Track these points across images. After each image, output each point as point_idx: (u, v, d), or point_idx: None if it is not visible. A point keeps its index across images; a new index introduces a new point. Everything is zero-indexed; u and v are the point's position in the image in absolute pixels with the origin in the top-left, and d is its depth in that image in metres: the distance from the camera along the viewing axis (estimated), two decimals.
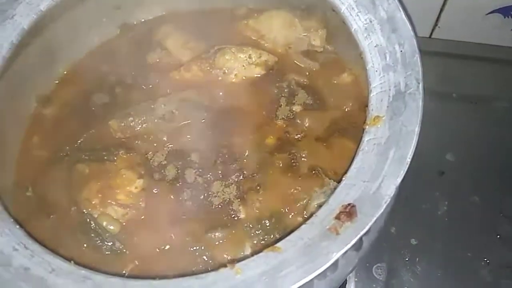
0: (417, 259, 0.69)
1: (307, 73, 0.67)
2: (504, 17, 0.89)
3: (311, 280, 0.39)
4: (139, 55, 0.70)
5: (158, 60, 0.70)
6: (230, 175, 0.60)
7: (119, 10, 0.71)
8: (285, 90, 0.66)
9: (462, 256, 0.70)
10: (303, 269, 0.36)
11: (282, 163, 0.60)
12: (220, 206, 0.58)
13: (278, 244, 0.39)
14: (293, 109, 0.64)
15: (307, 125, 0.64)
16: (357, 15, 0.50)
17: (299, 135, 0.63)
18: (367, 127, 0.44)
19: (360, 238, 0.43)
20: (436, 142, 0.77)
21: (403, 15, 0.48)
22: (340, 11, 0.53)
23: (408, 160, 0.40)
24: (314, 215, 0.40)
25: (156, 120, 0.62)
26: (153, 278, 0.40)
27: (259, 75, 0.68)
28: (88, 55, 0.72)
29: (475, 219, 0.72)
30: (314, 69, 0.68)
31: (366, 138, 0.43)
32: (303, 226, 0.40)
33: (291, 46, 0.70)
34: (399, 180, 0.39)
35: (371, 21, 0.49)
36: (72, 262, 0.41)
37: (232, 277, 0.37)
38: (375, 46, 0.48)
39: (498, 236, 0.71)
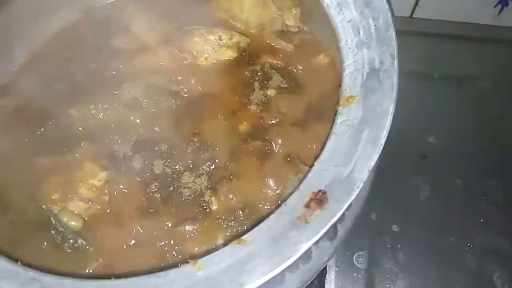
0: (399, 246, 0.67)
1: (281, 55, 0.64)
2: None
3: (282, 273, 0.36)
4: (102, 40, 0.66)
5: (123, 44, 0.65)
6: (201, 164, 0.57)
7: None
8: (259, 73, 0.63)
9: (445, 242, 0.68)
10: (270, 262, 0.33)
11: (256, 150, 0.57)
12: (190, 198, 0.55)
13: (244, 236, 0.36)
14: (267, 93, 0.61)
15: (282, 110, 0.60)
16: None
17: (273, 121, 0.59)
18: (340, 108, 0.41)
19: (334, 226, 0.40)
20: (417, 124, 0.75)
21: None
22: None
23: (382, 141, 0.37)
24: (283, 203, 0.37)
25: (120, 108, 0.58)
26: (109, 277, 0.36)
27: (231, 58, 0.64)
28: (49, 40, 0.68)
29: (458, 203, 0.70)
30: (289, 51, 0.64)
31: (339, 119, 0.40)
32: (272, 215, 0.37)
33: (265, 26, 0.66)
34: (372, 163, 0.36)
35: None
36: (19, 262, 0.37)
37: (194, 274, 0.34)
38: (348, 22, 0.45)
39: (482, 220, 0.69)
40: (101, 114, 0.58)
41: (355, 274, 0.65)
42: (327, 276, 0.65)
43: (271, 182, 0.53)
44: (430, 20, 0.91)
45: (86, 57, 0.64)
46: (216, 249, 0.35)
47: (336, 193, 0.35)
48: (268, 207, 0.53)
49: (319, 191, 0.36)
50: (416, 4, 0.90)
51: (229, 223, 0.53)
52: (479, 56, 0.83)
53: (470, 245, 0.67)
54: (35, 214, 0.53)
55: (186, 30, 0.64)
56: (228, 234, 0.52)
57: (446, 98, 0.79)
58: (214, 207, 0.54)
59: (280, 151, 0.57)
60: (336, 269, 0.65)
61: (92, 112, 0.57)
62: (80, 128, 0.58)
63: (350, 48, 0.43)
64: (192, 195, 0.55)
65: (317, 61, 0.63)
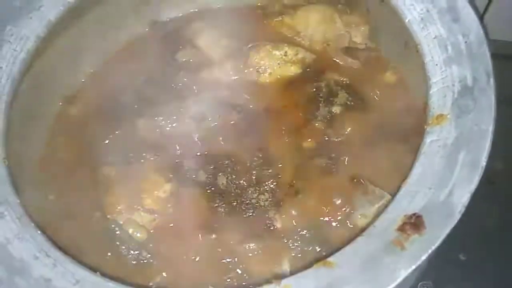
0: (466, 276, 0.63)
1: (347, 72, 0.63)
2: None
3: None
4: (169, 54, 0.67)
5: (189, 59, 0.66)
6: (265, 181, 0.56)
7: (148, 6, 0.68)
8: (323, 90, 0.61)
9: None
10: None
11: (321, 168, 0.56)
12: (254, 215, 0.54)
13: (330, 258, 0.34)
14: (333, 110, 0.60)
15: (348, 127, 0.59)
16: (412, 5, 0.46)
17: (339, 138, 0.58)
18: (428, 127, 0.39)
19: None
20: None
21: (467, 3, 0.43)
22: (390, 1, 0.48)
23: (483, 163, 0.35)
24: (372, 225, 0.35)
25: (186, 121, 0.58)
26: None
27: (295, 74, 0.63)
28: (116, 53, 0.69)
29: None
30: (355, 67, 0.63)
31: (428, 139, 0.38)
32: (359, 238, 0.35)
33: (330, 43, 0.65)
34: (473, 186, 0.34)
35: (428, 11, 0.44)
36: (98, 273, 0.36)
37: None
38: (434, 38, 0.43)
39: None
40: (168, 126, 0.58)
41: None
42: None
43: (337, 201, 0.52)
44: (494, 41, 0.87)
45: (152, 70, 0.65)
46: (300, 269, 0.34)
47: (433, 218, 0.33)
48: (336, 228, 0.51)
49: (414, 214, 0.34)
50: None
51: (295, 243, 0.51)
52: None
53: None
54: (100, 224, 0.53)
55: (251, 45, 0.64)
56: (293, 254, 0.51)
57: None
58: (278, 225, 0.53)
59: (346, 169, 0.55)
60: None
61: (160, 124, 0.57)
62: (146, 139, 0.58)
63: (437, 64, 0.41)
64: (256, 212, 0.54)
65: (385, 79, 0.62)
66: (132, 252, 0.51)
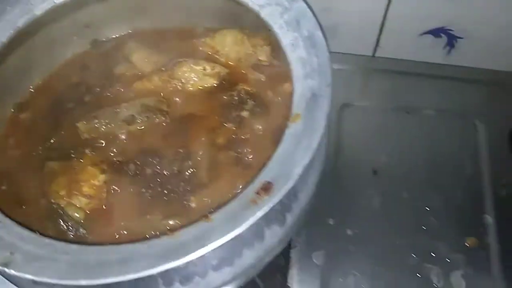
0: (352, 247, 0.78)
1: (255, 84, 0.77)
2: (435, 37, 1.01)
3: (240, 249, 0.48)
4: (107, 68, 0.79)
5: (124, 72, 0.78)
6: (184, 171, 0.68)
7: (89, 28, 0.80)
8: (235, 98, 0.75)
9: (392, 245, 0.79)
10: (226, 231, 0.45)
11: (230, 160, 0.69)
12: (175, 198, 0.66)
13: (210, 215, 0.48)
14: (242, 115, 0.73)
15: (253, 127, 0.73)
16: (286, 33, 0.61)
17: (245, 136, 0.72)
18: (289, 123, 0.54)
19: (283, 214, 0.53)
20: (372, 145, 0.88)
21: (321, 34, 0.59)
22: (273, 30, 0.63)
23: (314, 146, 0.50)
24: (242, 193, 0.49)
25: (119, 123, 0.71)
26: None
27: (213, 85, 0.77)
28: (61, 66, 0.80)
29: (404, 213, 0.82)
30: (262, 80, 0.78)
31: (287, 131, 0.53)
32: (232, 201, 0.49)
33: (242, 60, 0.79)
34: (305, 161, 0.48)
35: (296, 38, 0.60)
36: (37, 232, 0.48)
37: (170, 241, 0.46)
38: (299, 58, 0.58)
39: (424, 228, 0.81)
40: (103, 127, 0.70)
41: (313, 270, 0.76)
42: (289, 272, 0.76)
43: (238, 184, 0.65)
44: (389, 59, 1.05)
45: (92, 81, 0.77)
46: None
47: (279, 184, 0.47)
48: None
49: (267, 182, 0.48)
50: (376, 45, 1.05)
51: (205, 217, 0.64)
52: (428, 90, 0.97)
53: (413, 247, 0.79)
54: (45, 208, 0.64)
55: (176, 61, 0.77)
56: None
57: (398, 125, 0.92)
58: (193, 205, 0.66)
59: (250, 159, 0.69)
60: (297, 265, 0.76)
61: (96, 125, 0.70)
62: (85, 139, 0.70)
63: (299, 78, 0.56)
64: (176, 196, 0.66)
65: (283, 89, 0.76)
66: (71, 229, 0.63)
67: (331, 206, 0.81)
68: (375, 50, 1.05)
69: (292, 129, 0.53)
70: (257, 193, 0.47)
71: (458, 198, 0.85)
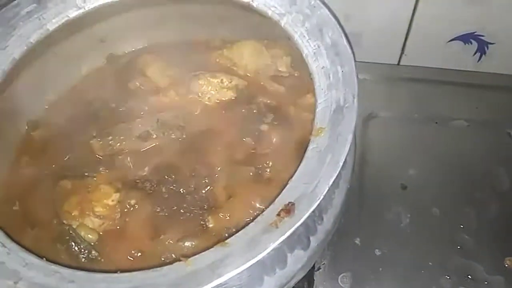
0: (381, 269, 0.73)
1: (274, 96, 0.74)
2: (465, 44, 0.96)
3: (260, 275, 0.44)
4: (122, 82, 0.77)
5: (139, 86, 0.76)
6: (202, 188, 0.65)
7: (104, 43, 0.79)
8: (254, 111, 0.72)
9: (424, 266, 0.73)
10: (244, 258, 0.41)
11: (249, 176, 0.66)
12: (191, 217, 0.63)
13: (227, 240, 0.44)
14: (261, 128, 0.70)
15: (273, 141, 0.69)
16: (308, 42, 0.57)
17: (265, 151, 0.68)
18: (312, 137, 0.50)
19: (307, 237, 0.48)
20: (399, 158, 0.83)
21: (345, 41, 0.55)
22: (293, 39, 0.60)
23: (341, 163, 0.45)
24: (260, 214, 0.45)
25: (133, 139, 0.68)
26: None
27: (231, 98, 0.74)
28: (76, 83, 0.79)
29: (436, 230, 0.76)
30: (281, 92, 0.74)
31: (310, 146, 0.49)
32: (250, 224, 0.45)
33: (260, 71, 0.76)
34: (331, 180, 0.44)
35: (319, 47, 0.56)
36: (44, 259, 0.45)
37: (183, 268, 0.42)
38: (322, 68, 0.54)
39: (459, 247, 0.75)
40: (118, 144, 0.68)
41: None
42: None
43: (257, 202, 0.61)
44: (415, 67, 1.00)
45: (107, 97, 0.75)
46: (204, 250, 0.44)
47: (302, 205, 0.43)
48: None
49: (289, 203, 0.44)
50: (402, 53, 1.00)
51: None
52: (456, 99, 0.92)
53: (447, 269, 0.73)
54: (57, 229, 0.62)
55: (193, 74, 0.75)
56: None
57: (426, 136, 0.87)
58: (211, 225, 0.62)
59: (270, 176, 0.65)
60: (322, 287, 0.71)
61: (110, 143, 0.67)
62: (99, 157, 0.68)
63: (322, 89, 0.52)
64: (193, 215, 0.63)
65: (305, 100, 0.73)
66: (83, 251, 0.60)
67: (358, 225, 0.76)
68: (400, 58, 1.01)
69: (316, 144, 0.49)
70: (278, 214, 0.43)
71: (494, 214, 0.79)
